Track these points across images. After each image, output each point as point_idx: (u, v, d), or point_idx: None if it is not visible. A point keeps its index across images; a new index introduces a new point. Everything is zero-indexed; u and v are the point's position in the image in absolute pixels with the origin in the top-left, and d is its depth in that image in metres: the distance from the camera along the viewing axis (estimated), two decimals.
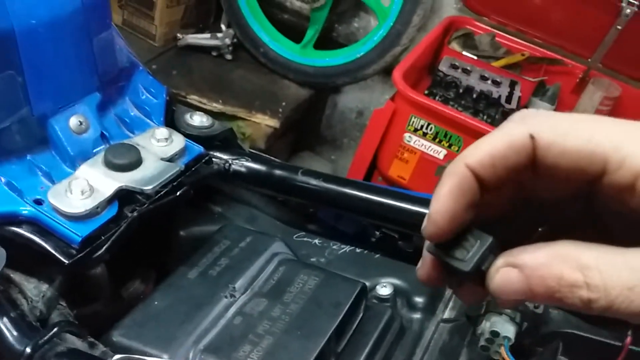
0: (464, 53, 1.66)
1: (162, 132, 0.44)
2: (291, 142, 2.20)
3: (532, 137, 0.26)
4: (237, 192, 0.54)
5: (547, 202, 0.28)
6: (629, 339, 0.41)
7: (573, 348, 0.41)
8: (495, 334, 0.44)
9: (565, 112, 0.27)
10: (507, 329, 0.44)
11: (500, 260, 0.26)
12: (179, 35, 1.86)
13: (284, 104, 1.80)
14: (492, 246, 0.27)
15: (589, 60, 1.64)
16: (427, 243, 0.28)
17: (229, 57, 1.90)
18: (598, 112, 1.65)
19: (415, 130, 1.46)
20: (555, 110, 1.70)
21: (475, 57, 1.65)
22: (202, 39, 1.88)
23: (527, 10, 1.67)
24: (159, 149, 0.43)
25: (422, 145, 1.47)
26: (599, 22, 1.53)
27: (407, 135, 1.48)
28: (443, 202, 0.26)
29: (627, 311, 0.22)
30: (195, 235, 0.51)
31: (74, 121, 0.42)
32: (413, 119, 1.45)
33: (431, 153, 1.47)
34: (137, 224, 0.40)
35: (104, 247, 0.38)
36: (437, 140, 1.44)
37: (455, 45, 1.70)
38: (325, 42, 1.89)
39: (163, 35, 1.84)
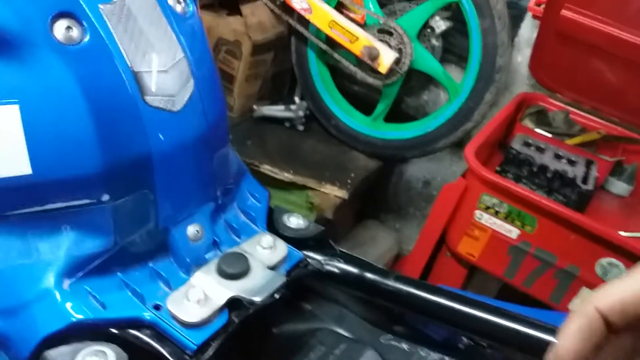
0: (537, 130, 1.65)
1: (268, 239, 0.47)
2: (357, 211, 2.22)
3: None
4: (326, 290, 0.56)
5: None
6: None
7: None
8: None
9: None
10: None
11: None
12: (254, 107, 1.96)
13: (352, 175, 1.83)
14: None
15: None
16: None
17: (301, 128, 1.97)
18: None
19: (487, 208, 1.45)
20: (634, 190, 1.65)
21: (549, 135, 1.64)
22: (277, 110, 1.96)
23: (602, 88, 1.65)
24: (265, 257, 0.46)
25: (494, 223, 1.46)
26: None
27: (478, 212, 1.47)
28: (572, 341, 0.28)
29: None
30: (286, 333, 0.53)
31: (191, 230, 0.45)
32: (485, 197, 1.44)
33: (503, 232, 1.45)
34: (240, 327, 0.42)
35: (213, 353, 0.40)
36: (510, 219, 1.42)
37: (528, 122, 1.70)
38: (395, 114, 1.94)
39: (240, 107, 1.94)
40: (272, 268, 0.45)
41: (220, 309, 0.41)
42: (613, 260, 1.32)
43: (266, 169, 1.80)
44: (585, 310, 0.28)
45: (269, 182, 1.82)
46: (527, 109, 1.73)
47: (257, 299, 0.41)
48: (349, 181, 1.81)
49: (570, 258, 1.37)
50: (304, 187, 1.79)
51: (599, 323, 0.28)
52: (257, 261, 0.45)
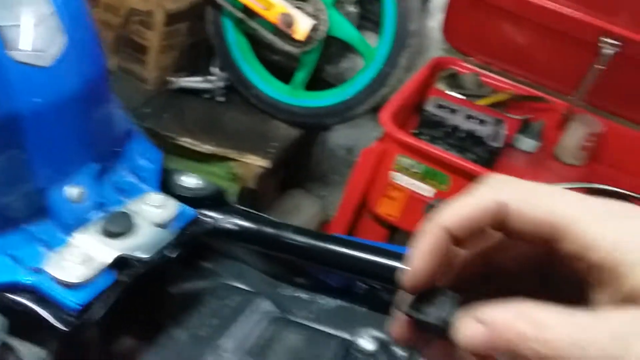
0: (450, 93, 1.70)
1: (157, 198, 0.46)
2: (281, 180, 2.22)
3: (502, 204, 0.28)
4: (226, 248, 0.56)
5: (507, 268, 0.31)
6: None
7: None
8: None
9: (533, 182, 0.29)
10: None
11: (466, 315, 0.28)
12: (171, 78, 1.90)
13: (274, 144, 1.83)
14: (457, 301, 0.29)
15: (571, 97, 1.69)
16: (396, 302, 0.31)
17: (221, 99, 1.93)
18: (581, 147, 1.69)
19: (403, 169, 1.49)
20: (540, 146, 1.74)
21: (461, 97, 1.70)
22: (195, 81, 1.91)
23: (510, 50, 1.72)
24: (154, 215, 0.45)
25: (411, 184, 1.50)
26: (580, 62, 1.58)
27: (395, 174, 1.51)
28: (420, 259, 0.29)
29: None
30: (184, 292, 0.53)
31: (71, 191, 0.44)
32: (401, 158, 1.48)
33: (419, 192, 1.50)
34: (131, 287, 0.42)
35: (101, 313, 0.39)
36: (425, 179, 1.47)
37: (441, 85, 1.75)
38: (315, 82, 1.94)
39: (156, 79, 1.88)
40: (162, 226, 0.45)
41: (105, 269, 0.40)
42: None
43: (185, 141, 1.76)
44: (432, 229, 0.29)
45: (189, 155, 1.79)
46: (441, 72, 1.78)
47: (144, 256, 0.41)
48: (271, 150, 1.80)
49: None
50: (225, 159, 1.77)
51: (445, 240, 0.29)
52: (144, 220, 0.44)
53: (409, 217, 1.54)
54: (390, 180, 1.51)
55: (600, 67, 1.53)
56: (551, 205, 0.28)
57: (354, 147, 2.33)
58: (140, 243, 0.42)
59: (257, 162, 1.76)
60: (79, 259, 0.40)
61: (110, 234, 0.42)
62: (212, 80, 1.91)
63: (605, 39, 1.47)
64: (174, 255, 0.44)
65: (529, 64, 1.72)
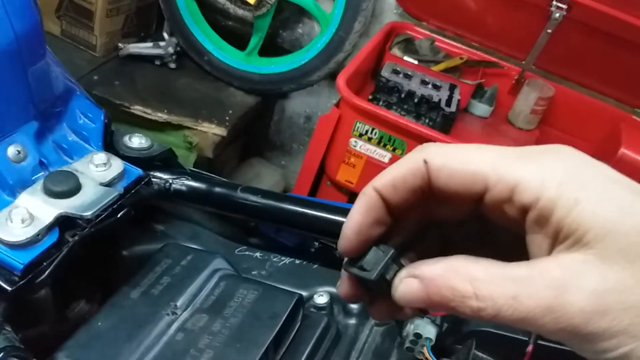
0: (405, 58, 1.71)
1: (100, 157, 0.45)
2: (240, 149, 2.21)
3: (425, 162, 0.29)
4: (179, 210, 0.55)
5: (447, 222, 0.32)
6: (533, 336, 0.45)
7: (487, 344, 0.45)
8: (418, 335, 0.47)
9: (457, 143, 0.30)
10: (429, 331, 0.48)
11: (404, 272, 0.30)
12: (120, 45, 1.84)
13: (230, 111, 1.80)
14: (394, 256, 0.31)
15: (524, 62, 1.71)
16: (343, 263, 0.32)
17: (172, 65, 1.89)
18: (533, 111, 1.73)
19: (361, 135, 1.50)
20: (493, 110, 1.77)
21: (415, 62, 1.70)
22: (144, 48, 1.86)
23: (463, 15, 1.73)
24: (98, 174, 0.44)
25: (368, 149, 1.51)
26: (531, 26, 1.61)
27: (352, 140, 1.52)
28: (353, 219, 0.31)
29: (512, 318, 0.25)
30: (138, 254, 0.52)
31: (11, 150, 0.42)
32: (358, 124, 1.48)
33: (376, 157, 1.51)
34: (78, 247, 0.41)
35: (46, 273, 0.38)
36: (382, 144, 1.48)
37: (396, 51, 1.75)
38: (270, 48, 1.91)
39: (104, 45, 1.81)
40: (108, 185, 0.44)
41: (50, 228, 0.39)
42: None
43: (138, 109, 1.72)
44: (365, 191, 0.31)
45: (142, 123, 1.75)
46: (395, 37, 1.78)
47: (87, 214, 0.40)
48: (227, 118, 1.78)
49: None
50: (180, 127, 1.74)
51: (376, 200, 0.30)
52: (88, 179, 0.43)
53: (366, 182, 1.55)
54: (349, 147, 1.51)
55: (549, 31, 1.56)
56: (470, 156, 0.29)
57: (312, 115, 2.32)
58: (83, 202, 0.41)
59: (213, 131, 1.74)
60: (22, 218, 0.38)
61: (54, 194, 0.41)
62: (162, 46, 1.86)
63: (556, 3, 1.49)
64: (121, 216, 0.43)
65: (482, 29, 1.73)
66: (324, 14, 1.71)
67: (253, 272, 0.51)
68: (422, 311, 0.30)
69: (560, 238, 0.26)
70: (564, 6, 1.50)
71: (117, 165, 0.45)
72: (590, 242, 0.25)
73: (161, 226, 0.55)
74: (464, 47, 1.80)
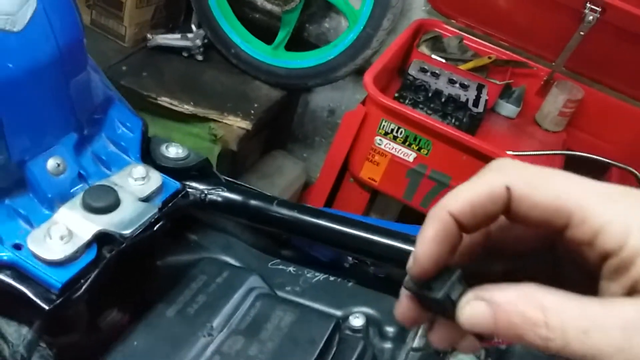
0: (433, 56, 1.69)
1: (139, 170, 0.44)
2: (263, 142, 2.20)
3: (508, 189, 0.28)
4: (212, 220, 0.55)
5: (513, 253, 0.31)
6: None
7: None
8: None
9: (540, 166, 0.29)
10: None
11: (471, 294, 0.28)
12: (149, 35, 1.85)
13: (255, 105, 1.80)
14: (460, 277, 0.29)
15: (554, 63, 1.68)
16: (404, 281, 0.31)
17: (200, 58, 1.89)
18: (561, 113, 1.70)
19: (386, 133, 1.48)
20: (521, 111, 1.74)
21: (443, 60, 1.68)
22: (173, 39, 1.86)
23: (493, 14, 1.70)
24: (137, 188, 0.44)
25: (393, 148, 1.50)
26: (563, 27, 1.57)
27: (377, 138, 1.50)
28: (429, 246, 0.29)
29: (580, 352, 0.24)
30: (172, 265, 0.52)
31: (51, 163, 0.42)
32: (383, 122, 1.47)
33: (401, 156, 1.49)
34: (115, 262, 0.41)
35: (83, 289, 0.38)
36: (407, 143, 1.47)
37: (424, 48, 1.73)
38: (297, 42, 1.90)
39: (133, 35, 1.82)
40: (146, 200, 0.44)
41: (88, 245, 0.39)
42: None
43: (165, 101, 1.73)
44: (439, 215, 0.29)
45: (168, 114, 1.76)
46: (424, 35, 1.76)
47: (126, 232, 0.40)
48: (252, 112, 1.78)
49: (463, 178, 1.42)
50: (205, 119, 1.75)
51: (452, 226, 0.29)
52: (127, 193, 0.43)
53: (390, 181, 1.55)
54: (373, 145, 1.50)
55: (582, 33, 1.52)
56: (557, 189, 0.28)
57: (336, 108, 2.31)
58: (122, 218, 0.41)
59: (238, 124, 1.74)
60: (61, 235, 0.38)
61: (93, 209, 0.40)
62: (190, 38, 1.86)
63: (589, 5, 1.46)
64: (158, 229, 0.43)
65: (511, 28, 1.70)
66: (353, 9, 1.69)
67: (287, 288, 0.51)
68: (484, 340, 0.29)
69: (637, 290, 0.25)
70: (598, 9, 1.46)
71: (155, 179, 0.45)
72: None
73: (195, 236, 0.55)
74: (492, 46, 1.77)
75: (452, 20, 1.78)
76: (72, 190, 0.43)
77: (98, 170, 0.45)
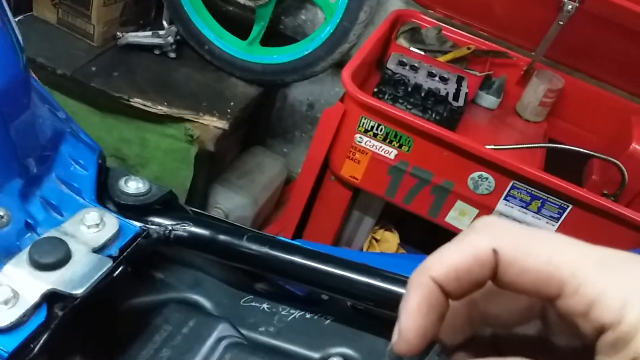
0: (411, 49, 1.66)
1: (93, 216, 0.41)
2: (241, 138, 2.17)
3: (495, 252, 0.25)
4: (179, 254, 0.52)
5: (501, 323, 0.29)
6: None
7: None
8: None
9: (526, 227, 0.26)
10: None
11: None
12: (118, 33, 1.79)
13: (232, 103, 1.76)
14: (438, 351, 0.27)
15: (533, 52, 1.66)
16: (387, 351, 0.28)
17: (172, 55, 1.84)
18: (542, 103, 1.69)
19: (366, 131, 1.45)
20: (501, 102, 1.72)
21: (422, 53, 1.65)
22: (143, 37, 1.81)
23: (472, 3, 1.67)
24: (90, 237, 0.40)
25: (373, 145, 1.47)
26: (542, 16, 1.55)
27: (357, 136, 1.47)
28: (414, 319, 0.26)
29: None
30: (136, 307, 0.49)
31: None
32: (363, 120, 1.44)
33: (382, 153, 1.47)
34: (69, 317, 0.37)
35: (35, 351, 0.35)
36: (388, 140, 1.44)
37: (402, 41, 1.70)
38: (273, 36, 1.86)
39: (101, 34, 1.76)
40: (101, 249, 0.40)
41: (36, 306, 0.36)
42: (483, 173, 1.39)
43: (137, 102, 1.67)
44: (422, 281, 0.26)
45: (142, 116, 1.71)
46: (401, 26, 1.72)
47: (78, 291, 0.36)
48: (228, 110, 1.73)
49: (444, 174, 1.43)
50: (181, 119, 1.70)
51: (437, 293, 0.26)
52: (79, 244, 0.39)
53: (371, 179, 1.52)
54: (353, 142, 1.47)
55: (561, 22, 1.50)
56: (548, 254, 0.25)
57: (315, 102, 2.27)
58: (73, 275, 0.37)
59: (214, 123, 1.70)
60: (5, 298, 0.35)
61: (40, 266, 0.37)
62: (161, 35, 1.80)
63: None
64: (116, 274, 0.40)
65: (490, 17, 1.68)
66: (329, 3, 1.65)
67: (260, 329, 0.48)
68: None
69: None
70: None
71: (111, 224, 0.41)
72: None
73: (161, 274, 0.51)
74: (471, 36, 1.75)
75: (430, 11, 1.75)
76: (18, 242, 0.40)
77: (48, 217, 0.42)
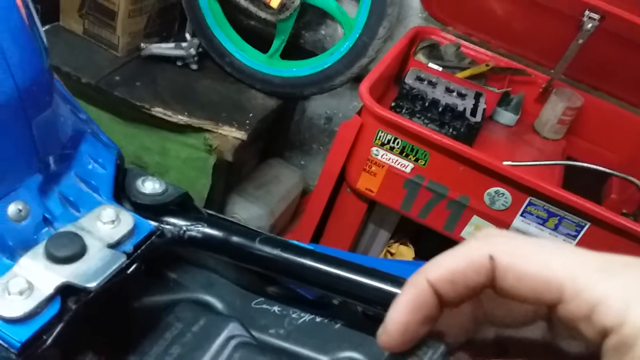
0: (430, 65, 1.66)
1: (109, 213, 0.42)
2: (259, 150, 2.18)
3: (491, 259, 0.26)
4: (192, 255, 0.53)
5: (506, 324, 0.29)
6: None
7: None
8: None
9: (528, 236, 0.27)
10: None
11: None
12: (142, 45, 1.82)
13: (251, 115, 1.78)
14: (444, 354, 0.27)
15: (552, 70, 1.66)
16: (386, 356, 0.28)
17: (194, 67, 1.87)
18: (561, 121, 1.67)
19: (383, 144, 1.46)
20: (519, 119, 1.72)
21: (440, 69, 1.66)
22: (166, 48, 1.84)
23: (491, 21, 1.68)
24: (106, 233, 0.41)
25: (390, 159, 1.47)
26: (561, 35, 1.55)
27: (374, 149, 1.48)
28: (399, 313, 0.27)
29: None
30: (149, 306, 0.49)
31: (12, 209, 0.39)
32: (380, 133, 1.44)
33: (398, 167, 1.47)
34: (83, 311, 0.38)
35: (47, 343, 0.36)
36: (404, 154, 1.44)
37: (421, 57, 1.71)
38: (293, 50, 1.88)
39: (126, 45, 1.80)
40: (116, 244, 0.41)
41: (50, 299, 0.36)
42: (499, 188, 1.38)
43: (158, 111, 1.70)
44: (416, 282, 0.27)
45: (163, 125, 1.74)
46: (420, 42, 1.73)
47: (91, 285, 0.37)
48: (247, 121, 1.75)
49: (460, 189, 1.42)
50: (200, 130, 1.72)
51: (429, 294, 0.27)
52: (94, 239, 0.40)
53: (387, 192, 1.52)
54: (370, 155, 1.48)
55: (581, 41, 1.50)
56: (546, 259, 0.25)
57: (333, 116, 2.29)
58: (87, 269, 0.38)
59: (233, 134, 1.71)
60: (20, 289, 0.36)
61: (56, 259, 0.38)
62: (184, 47, 1.83)
63: (588, 13, 1.43)
64: (131, 273, 0.40)
65: (509, 35, 1.68)
66: (348, 18, 1.67)
67: (270, 331, 0.48)
68: None
69: None
70: (597, 16, 1.44)
71: (126, 221, 0.42)
72: None
73: (174, 274, 0.52)
74: (490, 53, 1.75)
75: (449, 28, 1.76)
76: (36, 236, 0.41)
77: (65, 213, 0.43)
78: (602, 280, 0.24)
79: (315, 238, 1.75)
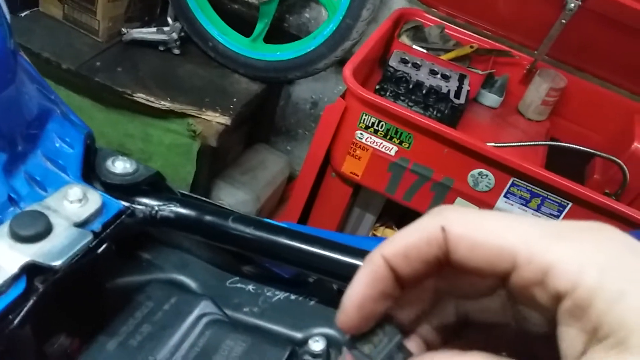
0: (414, 47, 1.66)
1: (76, 191, 0.41)
2: (244, 135, 2.17)
3: (443, 230, 0.25)
4: (166, 235, 0.52)
5: (467, 296, 0.29)
6: None
7: None
8: None
9: (481, 209, 0.27)
10: None
11: None
12: (123, 29, 1.80)
13: (235, 99, 1.76)
14: (399, 344, 0.27)
15: (536, 51, 1.66)
16: (347, 338, 0.29)
17: (176, 51, 1.85)
18: (545, 102, 1.68)
19: (367, 127, 1.45)
20: (503, 101, 1.72)
21: (424, 51, 1.65)
22: (148, 33, 1.82)
23: (475, 2, 1.67)
24: (73, 212, 0.40)
25: (374, 142, 1.47)
26: (544, 15, 1.55)
27: (358, 132, 1.47)
28: (355, 290, 0.27)
29: None
30: (122, 287, 0.49)
31: None
32: (364, 116, 1.44)
33: (383, 150, 1.47)
34: (51, 291, 0.37)
35: (14, 324, 0.35)
36: (389, 137, 1.44)
37: (405, 39, 1.70)
38: (276, 33, 1.86)
39: (106, 30, 1.77)
40: (83, 224, 0.40)
41: (15, 277, 0.36)
42: (483, 170, 1.39)
43: (141, 97, 1.68)
44: (372, 258, 0.27)
45: (145, 111, 1.72)
46: (404, 24, 1.72)
47: (56, 263, 0.37)
48: (231, 106, 1.74)
49: (444, 171, 1.43)
50: (184, 115, 1.71)
51: (384, 270, 0.27)
52: (60, 218, 0.39)
53: (372, 175, 1.52)
54: (354, 139, 1.47)
55: (564, 21, 1.50)
56: (498, 227, 0.25)
57: (319, 100, 2.28)
58: (52, 247, 0.37)
59: (217, 119, 1.70)
60: None
61: (21, 238, 0.37)
62: (166, 32, 1.81)
63: None
64: (100, 253, 0.40)
65: (493, 16, 1.68)
66: (332, 1, 1.66)
67: (245, 309, 0.48)
68: None
69: (598, 336, 0.22)
70: None
71: (94, 200, 0.41)
72: (634, 347, 0.21)
73: (147, 254, 0.51)
74: (474, 35, 1.74)
75: (433, 9, 1.75)
76: (1, 216, 0.40)
77: (32, 192, 0.42)
78: (554, 245, 0.24)
79: (302, 223, 1.75)
